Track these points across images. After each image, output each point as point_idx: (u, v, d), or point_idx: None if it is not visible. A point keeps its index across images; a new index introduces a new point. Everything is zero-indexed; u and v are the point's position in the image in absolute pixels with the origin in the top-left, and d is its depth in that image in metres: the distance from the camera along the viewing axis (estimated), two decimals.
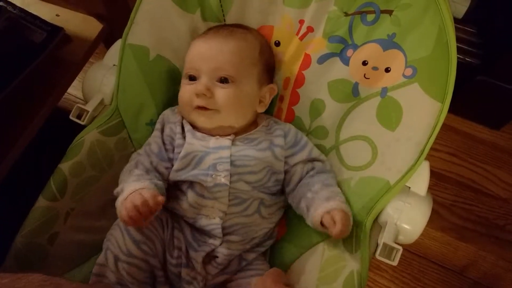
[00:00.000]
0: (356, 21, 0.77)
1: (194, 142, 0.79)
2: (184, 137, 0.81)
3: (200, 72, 0.79)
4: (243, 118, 0.83)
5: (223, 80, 0.79)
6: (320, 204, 0.73)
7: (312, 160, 0.83)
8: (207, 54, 0.80)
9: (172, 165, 0.80)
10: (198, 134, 0.81)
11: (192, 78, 0.81)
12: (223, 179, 0.76)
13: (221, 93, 0.78)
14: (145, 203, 0.68)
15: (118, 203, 0.71)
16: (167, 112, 0.87)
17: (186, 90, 0.80)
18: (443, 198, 1.26)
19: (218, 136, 0.80)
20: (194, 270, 0.77)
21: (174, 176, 0.79)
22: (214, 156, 0.77)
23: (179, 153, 0.79)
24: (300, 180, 0.82)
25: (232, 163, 0.77)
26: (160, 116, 0.87)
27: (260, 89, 0.84)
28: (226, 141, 0.79)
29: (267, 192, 0.81)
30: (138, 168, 0.77)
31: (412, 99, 0.72)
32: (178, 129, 0.82)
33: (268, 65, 0.86)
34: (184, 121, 0.83)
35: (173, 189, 0.81)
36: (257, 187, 0.79)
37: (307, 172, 0.82)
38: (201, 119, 0.80)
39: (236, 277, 0.79)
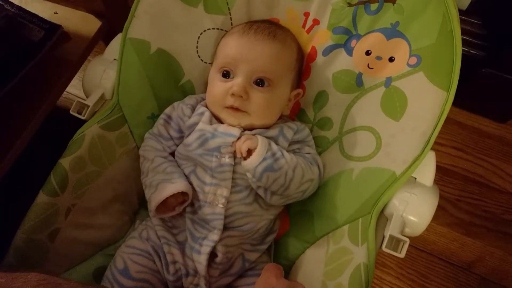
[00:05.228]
0: (360, 11, 0.76)
1: (206, 123, 0.79)
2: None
3: (237, 70, 0.77)
4: (269, 121, 0.82)
5: (260, 82, 0.77)
6: None
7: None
8: (248, 54, 0.77)
9: (175, 144, 0.84)
10: (213, 119, 0.80)
11: (226, 75, 0.79)
12: (227, 159, 0.75)
13: (258, 97, 0.77)
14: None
15: (156, 198, 0.75)
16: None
17: (220, 87, 0.78)
18: (449, 193, 1.24)
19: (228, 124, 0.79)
20: (196, 276, 0.76)
21: (182, 149, 0.80)
22: (220, 140, 0.76)
23: (190, 133, 0.80)
24: None
25: None
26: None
27: (290, 93, 0.84)
28: (234, 130, 0.77)
29: None
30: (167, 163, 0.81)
31: (417, 88, 0.70)
32: (188, 111, 0.82)
33: (301, 70, 0.87)
34: (201, 105, 0.83)
35: None
36: None
37: None
38: (230, 119, 0.78)
39: (241, 281, 0.79)
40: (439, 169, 1.26)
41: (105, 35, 1.15)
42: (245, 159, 0.73)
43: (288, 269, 0.84)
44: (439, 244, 1.18)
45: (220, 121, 0.80)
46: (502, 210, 1.22)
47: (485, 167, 1.28)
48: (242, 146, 0.72)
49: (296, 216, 0.87)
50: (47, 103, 0.98)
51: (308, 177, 0.77)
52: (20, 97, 0.96)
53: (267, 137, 0.77)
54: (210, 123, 0.79)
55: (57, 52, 1.05)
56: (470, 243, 1.18)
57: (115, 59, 0.85)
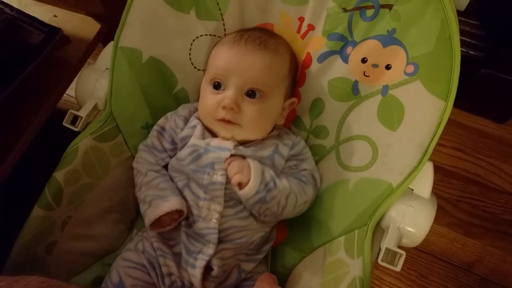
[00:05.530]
0: (356, 17, 0.75)
1: (198, 138, 0.78)
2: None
3: (228, 82, 0.76)
4: (263, 133, 0.81)
5: (251, 94, 0.76)
6: None
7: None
8: (239, 65, 0.76)
9: (169, 156, 0.82)
10: (206, 132, 0.79)
11: (217, 87, 0.77)
12: (219, 177, 0.74)
13: (250, 109, 0.75)
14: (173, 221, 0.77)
15: (150, 216, 0.75)
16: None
17: (211, 100, 0.77)
18: (449, 194, 1.24)
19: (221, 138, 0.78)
20: None
21: (175, 163, 0.80)
22: (214, 155, 0.75)
23: (183, 146, 0.79)
24: None
25: None
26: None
27: (284, 102, 0.82)
28: (228, 144, 0.76)
29: None
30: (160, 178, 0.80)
31: (414, 97, 0.69)
32: (181, 123, 0.81)
33: (295, 78, 0.85)
34: (194, 117, 0.82)
35: None
36: None
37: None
38: (223, 132, 0.77)
39: None
40: (439, 169, 1.26)
41: (104, 38, 1.15)
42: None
43: (285, 277, 0.84)
44: (439, 244, 1.18)
45: (213, 133, 0.79)
46: (502, 210, 1.22)
47: (484, 168, 1.28)
48: (232, 179, 0.71)
49: (293, 225, 0.86)
50: (47, 106, 0.99)
51: (302, 201, 0.77)
52: (20, 100, 0.96)
53: (261, 158, 0.77)
54: (203, 137, 0.78)
55: (56, 55, 1.05)
56: (470, 243, 1.18)
57: (107, 68, 0.84)
